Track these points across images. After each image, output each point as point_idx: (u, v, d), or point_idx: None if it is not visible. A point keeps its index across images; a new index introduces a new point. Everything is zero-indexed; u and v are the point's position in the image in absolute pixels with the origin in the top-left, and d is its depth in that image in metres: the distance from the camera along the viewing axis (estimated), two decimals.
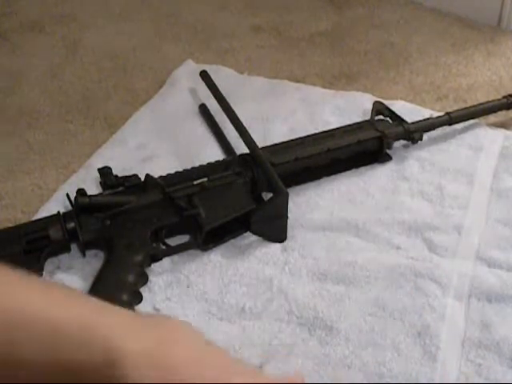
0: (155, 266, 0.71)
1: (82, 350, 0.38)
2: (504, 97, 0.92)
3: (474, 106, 0.91)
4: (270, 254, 0.72)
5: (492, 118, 0.93)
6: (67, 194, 0.72)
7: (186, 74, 1.03)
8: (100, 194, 0.73)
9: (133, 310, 0.64)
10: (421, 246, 0.73)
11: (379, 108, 0.89)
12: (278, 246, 0.73)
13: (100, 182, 0.74)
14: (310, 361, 0.61)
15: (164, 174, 0.75)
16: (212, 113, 0.92)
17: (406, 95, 1.00)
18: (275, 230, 0.73)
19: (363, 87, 1.02)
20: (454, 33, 1.16)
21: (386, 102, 0.90)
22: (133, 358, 0.38)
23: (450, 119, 0.88)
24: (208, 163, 0.77)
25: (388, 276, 0.69)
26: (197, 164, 0.77)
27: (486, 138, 0.89)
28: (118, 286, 0.65)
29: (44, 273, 0.69)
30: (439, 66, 1.07)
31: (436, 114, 0.89)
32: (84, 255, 0.71)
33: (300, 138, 0.81)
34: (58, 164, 0.88)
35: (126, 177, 0.74)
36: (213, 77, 0.94)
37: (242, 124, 0.81)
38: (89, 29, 1.20)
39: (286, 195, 0.72)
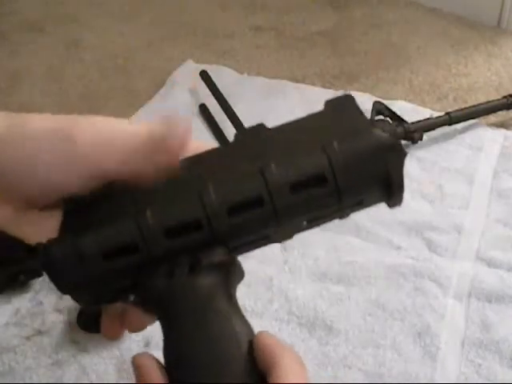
0: None
1: None
2: (504, 97, 0.92)
3: (474, 106, 0.91)
4: (270, 253, 0.72)
5: (492, 118, 0.93)
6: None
7: (186, 74, 1.03)
8: None
9: None
10: (421, 246, 0.73)
11: (379, 108, 0.89)
12: (277, 246, 0.73)
13: None
14: (309, 361, 0.61)
15: None
16: (212, 113, 0.92)
17: (406, 95, 1.00)
18: None
19: (363, 87, 1.02)
20: (453, 33, 1.16)
21: (385, 102, 0.90)
22: None
23: (450, 119, 0.88)
24: None
25: (388, 276, 0.69)
26: None
27: (486, 138, 0.89)
28: None
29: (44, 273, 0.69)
30: (439, 66, 1.07)
31: (436, 114, 0.89)
32: None
33: None
34: None
35: None
36: (213, 77, 0.94)
37: (241, 124, 0.81)
38: (89, 29, 1.20)
39: None
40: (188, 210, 0.33)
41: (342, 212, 0.35)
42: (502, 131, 0.91)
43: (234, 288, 0.35)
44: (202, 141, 0.37)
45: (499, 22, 1.18)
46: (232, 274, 0.35)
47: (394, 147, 0.32)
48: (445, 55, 1.10)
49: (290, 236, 0.35)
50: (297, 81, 1.04)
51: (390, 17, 1.22)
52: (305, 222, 0.34)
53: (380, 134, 0.32)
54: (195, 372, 0.32)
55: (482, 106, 0.91)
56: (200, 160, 0.35)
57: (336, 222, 0.81)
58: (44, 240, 0.35)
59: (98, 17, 1.25)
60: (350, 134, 0.33)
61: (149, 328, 0.64)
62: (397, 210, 0.77)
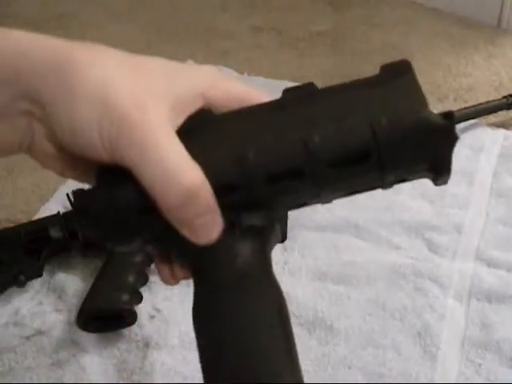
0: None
1: None
2: (504, 97, 0.92)
3: (473, 106, 0.91)
4: None
5: (492, 118, 0.93)
6: (67, 194, 0.72)
7: None
8: None
9: (133, 309, 0.64)
10: (421, 246, 0.73)
11: None
12: (278, 245, 0.73)
13: None
14: (310, 361, 0.61)
15: None
16: None
17: None
18: None
19: None
20: (453, 33, 1.16)
21: None
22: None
23: None
24: None
25: (388, 276, 0.69)
26: None
27: (486, 138, 0.89)
28: (118, 285, 0.65)
29: (44, 273, 0.69)
30: (439, 65, 1.07)
31: None
32: (84, 255, 0.71)
33: None
34: None
35: None
36: None
37: None
38: (89, 29, 1.20)
39: None
40: (224, 172, 0.32)
41: (383, 186, 0.34)
42: (502, 131, 0.91)
43: (270, 252, 0.36)
44: (247, 88, 0.36)
45: (499, 22, 1.18)
46: (270, 238, 0.35)
47: (445, 131, 0.31)
48: (445, 55, 1.10)
49: (328, 202, 0.35)
50: (297, 81, 1.04)
51: (390, 17, 1.22)
52: (344, 193, 0.34)
53: (432, 115, 0.31)
54: (225, 341, 0.32)
55: (481, 106, 0.91)
56: (245, 117, 0.33)
57: (336, 222, 0.81)
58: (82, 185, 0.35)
59: (98, 17, 1.25)
60: (400, 112, 0.31)
61: (149, 329, 0.64)
62: (397, 209, 0.77)
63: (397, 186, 0.35)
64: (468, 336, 0.63)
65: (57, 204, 0.79)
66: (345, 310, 0.66)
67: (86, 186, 0.78)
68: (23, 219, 0.77)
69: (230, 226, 0.32)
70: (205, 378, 0.33)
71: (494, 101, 0.92)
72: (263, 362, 0.32)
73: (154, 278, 0.69)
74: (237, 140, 0.32)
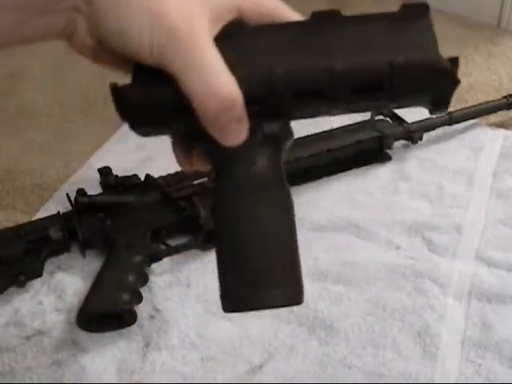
0: (155, 266, 0.71)
1: None
2: (504, 97, 0.92)
3: (474, 106, 0.91)
4: None
5: (492, 118, 0.93)
6: (67, 194, 0.72)
7: None
8: (100, 194, 0.73)
9: (133, 309, 0.64)
10: (421, 246, 0.73)
11: None
12: None
13: (100, 182, 0.74)
14: (310, 361, 0.61)
15: (164, 174, 0.75)
16: None
17: None
18: None
19: None
20: (453, 33, 1.16)
21: None
22: None
23: (450, 119, 0.88)
24: None
25: (388, 276, 0.69)
26: None
27: (486, 138, 0.89)
28: (118, 285, 0.65)
29: (44, 273, 0.69)
30: None
31: (436, 114, 0.89)
32: (84, 255, 0.71)
33: (300, 138, 0.81)
34: (57, 164, 0.88)
35: (126, 177, 0.74)
36: None
37: None
38: None
39: None
40: (254, 85, 0.35)
41: (387, 110, 0.38)
42: (502, 131, 0.91)
43: (283, 158, 0.39)
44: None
45: (499, 22, 1.18)
46: (286, 144, 0.39)
47: (451, 74, 0.36)
48: (445, 55, 1.10)
49: (334, 115, 0.38)
50: None
51: None
52: (351, 111, 0.37)
53: (442, 59, 0.35)
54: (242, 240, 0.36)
55: (481, 106, 0.91)
56: (276, 34, 0.37)
57: (336, 222, 0.81)
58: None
59: None
60: (416, 52, 0.35)
61: (149, 329, 0.64)
62: (397, 209, 0.77)
63: (397, 186, 0.35)
64: (468, 336, 0.63)
65: (57, 204, 0.79)
66: (345, 310, 0.66)
67: (86, 186, 0.78)
68: (23, 219, 0.77)
69: (253, 132, 0.36)
70: (220, 262, 0.37)
71: (493, 101, 0.92)
72: (270, 260, 0.36)
73: (154, 278, 0.69)
74: (268, 56, 0.35)
